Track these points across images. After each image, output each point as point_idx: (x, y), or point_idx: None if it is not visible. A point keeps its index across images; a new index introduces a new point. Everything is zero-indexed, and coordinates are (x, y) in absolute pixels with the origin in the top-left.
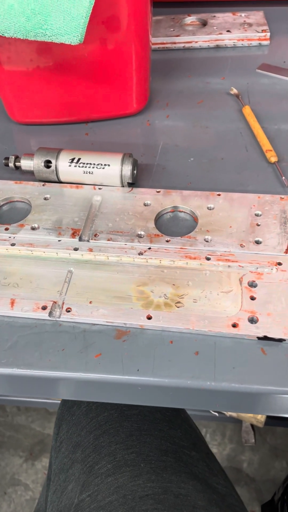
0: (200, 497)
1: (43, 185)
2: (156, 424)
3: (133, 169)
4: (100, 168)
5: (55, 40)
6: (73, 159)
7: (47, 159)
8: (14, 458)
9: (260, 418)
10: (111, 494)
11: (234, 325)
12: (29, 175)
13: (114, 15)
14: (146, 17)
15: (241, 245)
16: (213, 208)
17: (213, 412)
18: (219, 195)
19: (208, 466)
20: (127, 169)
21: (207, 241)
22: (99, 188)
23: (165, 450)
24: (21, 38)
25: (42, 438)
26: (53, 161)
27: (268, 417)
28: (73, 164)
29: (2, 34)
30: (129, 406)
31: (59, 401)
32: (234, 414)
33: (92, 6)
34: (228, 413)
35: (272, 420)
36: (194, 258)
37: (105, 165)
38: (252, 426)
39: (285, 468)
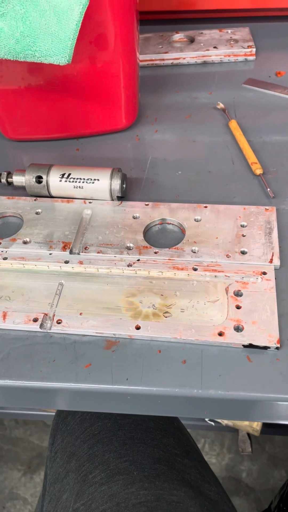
0: (192, 504)
1: (34, 200)
2: (149, 432)
3: (122, 183)
4: (90, 182)
5: (44, 61)
6: (63, 174)
7: (38, 174)
8: (13, 472)
9: (256, 426)
10: (105, 502)
11: (220, 334)
12: (21, 191)
13: (102, 35)
14: (133, 36)
15: (227, 256)
16: (200, 220)
17: (209, 422)
18: (206, 207)
19: (200, 474)
20: (116, 184)
21: (194, 252)
22: (89, 202)
23: (158, 458)
24: (11, 59)
25: (41, 451)
26: (44, 177)
27: (264, 426)
28: (64, 179)
29: None
30: (122, 415)
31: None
32: (230, 423)
33: (79, 28)
34: (224, 422)
35: (268, 429)
36: (182, 269)
37: (94, 179)
38: (249, 435)
39: (284, 477)
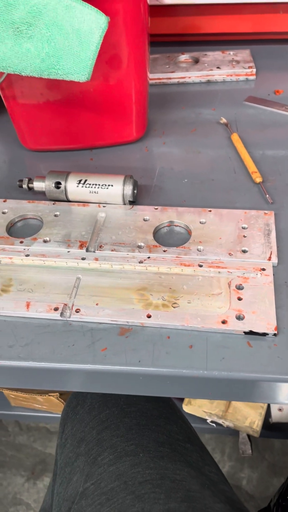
0: (194, 482)
1: (53, 204)
2: (154, 419)
3: (133, 189)
4: (104, 188)
5: (65, 78)
6: (80, 181)
7: (57, 180)
8: (16, 478)
9: (256, 427)
10: (113, 481)
11: (224, 322)
12: (40, 195)
13: (116, 55)
14: (144, 57)
15: (230, 254)
16: (204, 223)
17: (210, 423)
18: (210, 211)
19: (201, 457)
20: (128, 189)
21: (199, 251)
22: (103, 206)
23: (162, 442)
24: (36, 76)
25: (44, 458)
26: (63, 183)
27: (264, 428)
28: (81, 185)
29: (19, 73)
30: (128, 404)
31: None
32: (231, 425)
33: (99, 49)
34: (225, 424)
35: (267, 432)
36: (188, 265)
37: (108, 185)
38: (249, 437)
39: (284, 485)
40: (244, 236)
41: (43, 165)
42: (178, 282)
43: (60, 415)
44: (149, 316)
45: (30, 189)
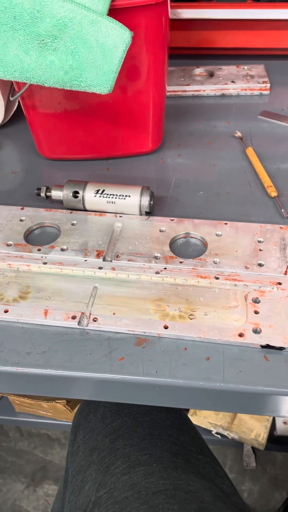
0: (207, 494)
1: (70, 212)
2: (166, 430)
3: (150, 200)
4: (122, 198)
5: (87, 90)
6: (98, 190)
7: (75, 190)
8: (16, 484)
9: (261, 440)
10: (127, 490)
11: (240, 335)
12: (57, 204)
13: (136, 67)
14: (163, 69)
15: (246, 267)
16: (220, 235)
17: (215, 435)
18: (226, 224)
19: (214, 469)
20: (145, 200)
21: (215, 263)
22: (120, 216)
23: (175, 453)
24: (59, 87)
25: (44, 465)
26: (81, 192)
27: (268, 441)
28: (98, 194)
29: (42, 84)
30: (141, 413)
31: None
32: (236, 437)
33: (122, 63)
34: (230, 436)
35: (271, 444)
36: (205, 277)
37: (126, 196)
38: (253, 449)
39: (285, 498)
40: (260, 250)
41: (60, 174)
42: (195, 293)
43: (65, 422)
44: (166, 327)
45: (48, 197)
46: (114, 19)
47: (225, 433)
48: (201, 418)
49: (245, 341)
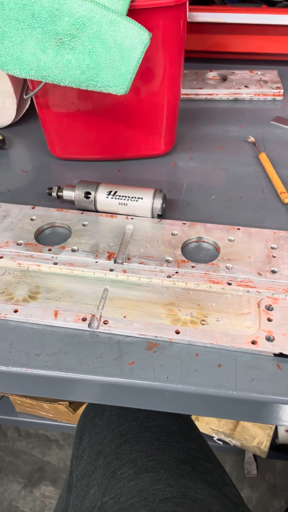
0: (215, 503)
1: (81, 213)
2: (173, 436)
3: (162, 203)
4: (134, 200)
5: (103, 91)
6: (110, 192)
7: (87, 190)
8: (13, 484)
9: (264, 448)
10: (133, 496)
11: (253, 342)
12: (68, 204)
13: (152, 69)
14: (179, 72)
15: (259, 274)
16: (233, 240)
17: (217, 441)
18: (238, 229)
19: (221, 477)
20: (158, 203)
21: (228, 269)
22: (131, 218)
23: (183, 460)
24: (74, 87)
25: (42, 465)
26: (92, 193)
27: (270, 449)
28: (110, 196)
29: (58, 83)
30: (148, 418)
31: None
32: (238, 444)
33: (139, 64)
34: (232, 443)
35: (273, 452)
36: (217, 283)
37: (138, 198)
38: (255, 457)
39: (284, 507)
40: (273, 257)
41: (70, 174)
42: (207, 299)
43: (66, 424)
44: (177, 332)
45: (59, 197)
46: (133, 20)
47: (227, 439)
48: (203, 424)
49: (257, 349)
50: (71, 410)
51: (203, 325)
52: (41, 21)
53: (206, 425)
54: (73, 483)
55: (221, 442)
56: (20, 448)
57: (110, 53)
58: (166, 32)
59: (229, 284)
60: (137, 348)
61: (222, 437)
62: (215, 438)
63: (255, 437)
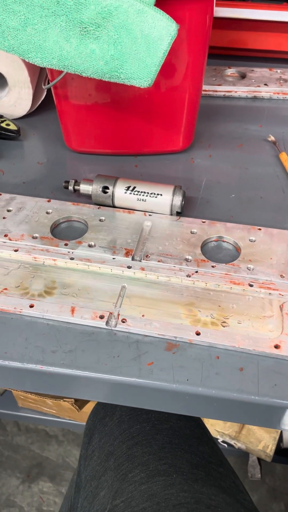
0: (230, 510)
1: (98, 208)
2: (186, 439)
3: (182, 200)
4: (153, 197)
5: (126, 83)
6: (128, 187)
7: (105, 185)
8: (11, 479)
9: (269, 451)
10: (145, 501)
11: (276, 347)
12: (84, 198)
13: (175, 62)
14: (202, 66)
15: (281, 276)
16: (254, 241)
17: (221, 443)
18: (259, 229)
19: (234, 483)
20: (178, 200)
21: (249, 270)
22: (149, 215)
23: (196, 464)
24: (97, 78)
25: (41, 461)
26: (111, 188)
27: (275, 453)
28: (129, 191)
29: (80, 74)
30: (160, 420)
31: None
32: (243, 447)
33: (165, 56)
34: (237, 445)
35: (277, 456)
36: (238, 284)
37: (157, 194)
38: (259, 460)
39: (283, 510)
40: None
41: (86, 167)
42: (227, 300)
43: (69, 421)
44: (198, 333)
45: (75, 191)
46: (162, 11)
47: (232, 442)
48: (208, 426)
49: (281, 353)
50: (77, 407)
51: (224, 327)
52: (66, 8)
53: (211, 426)
54: (82, 484)
55: (225, 445)
56: (19, 442)
57: (136, 44)
58: (192, 26)
59: (251, 285)
60: (156, 349)
61: (227, 439)
62: (220, 440)
63: (261, 440)
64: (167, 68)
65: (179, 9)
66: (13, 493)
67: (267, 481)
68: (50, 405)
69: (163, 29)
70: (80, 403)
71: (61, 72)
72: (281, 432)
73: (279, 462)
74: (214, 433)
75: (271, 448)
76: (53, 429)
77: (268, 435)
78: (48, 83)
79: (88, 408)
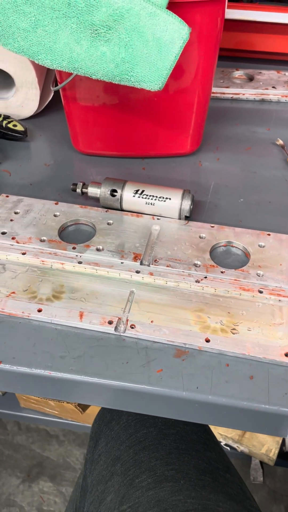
0: None
1: (106, 211)
2: (193, 444)
3: (191, 204)
4: (162, 200)
5: (137, 86)
6: (137, 191)
7: (113, 188)
8: (11, 478)
9: (272, 455)
10: (152, 507)
11: (287, 355)
12: (92, 201)
13: (186, 65)
14: (213, 69)
15: None
16: (263, 246)
17: (224, 446)
18: (269, 234)
19: (242, 490)
20: (187, 204)
21: (259, 276)
22: (158, 219)
23: (203, 470)
24: (107, 81)
25: (41, 461)
26: (119, 191)
27: (279, 457)
28: (137, 195)
29: (90, 76)
30: (167, 425)
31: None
32: (246, 450)
33: (177, 60)
34: (240, 449)
35: (280, 460)
36: (248, 290)
37: (166, 198)
38: (261, 464)
39: None
40: None
41: (93, 170)
42: (237, 306)
43: (71, 422)
44: (207, 340)
45: (83, 193)
46: (174, 14)
47: (235, 445)
48: (211, 428)
49: None
50: (80, 409)
51: (233, 334)
52: (77, 10)
53: (214, 429)
54: (88, 488)
55: (228, 448)
56: (20, 442)
57: (147, 47)
58: (203, 28)
59: (260, 292)
60: (165, 355)
61: (230, 442)
62: (223, 443)
63: (264, 444)
64: (177, 71)
65: (191, 12)
66: (14, 492)
67: (267, 483)
68: (53, 406)
69: (175, 32)
70: (83, 405)
71: (70, 74)
72: None
73: (281, 465)
74: (217, 436)
75: (274, 452)
76: (53, 429)
77: (271, 439)
78: (56, 84)
79: (91, 410)
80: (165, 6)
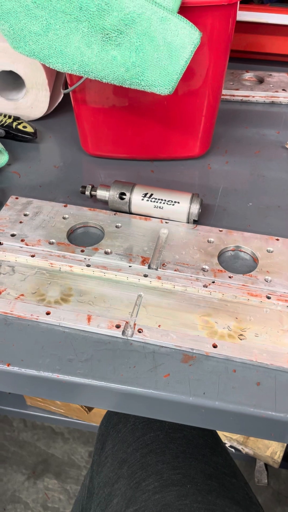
0: None
1: (114, 214)
2: (200, 449)
3: (199, 208)
4: (170, 204)
5: (147, 90)
6: (146, 194)
7: (122, 191)
8: (17, 475)
9: (277, 458)
10: (159, 511)
11: None
12: (100, 204)
13: (196, 68)
14: (223, 73)
15: None
16: (272, 251)
17: (229, 448)
18: (277, 239)
19: (248, 495)
20: (195, 208)
21: (267, 281)
22: (166, 222)
23: (210, 475)
24: (117, 84)
25: (46, 458)
26: (128, 194)
27: (284, 459)
28: (146, 198)
29: (101, 80)
30: (174, 429)
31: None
32: (250, 452)
33: (188, 64)
34: (244, 451)
35: (284, 462)
36: (255, 296)
37: (175, 202)
38: (266, 465)
39: None
40: None
41: (102, 172)
42: (244, 312)
43: (77, 421)
44: (215, 346)
45: (92, 196)
46: (185, 18)
47: (240, 447)
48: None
49: None
50: (86, 409)
51: (241, 340)
52: (88, 14)
53: (219, 431)
54: (94, 490)
55: (233, 449)
56: (25, 439)
57: (158, 52)
58: (214, 32)
59: (268, 297)
60: (172, 360)
61: (235, 444)
62: (227, 445)
63: (269, 446)
64: (187, 74)
65: (201, 16)
66: (19, 489)
67: (271, 485)
68: (59, 405)
69: (186, 37)
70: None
71: (80, 77)
72: None
73: (286, 468)
74: (222, 438)
75: (279, 455)
76: (59, 426)
77: (276, 442)
78: (66, 87)
79: (97, 409)
80: (177, 10)
